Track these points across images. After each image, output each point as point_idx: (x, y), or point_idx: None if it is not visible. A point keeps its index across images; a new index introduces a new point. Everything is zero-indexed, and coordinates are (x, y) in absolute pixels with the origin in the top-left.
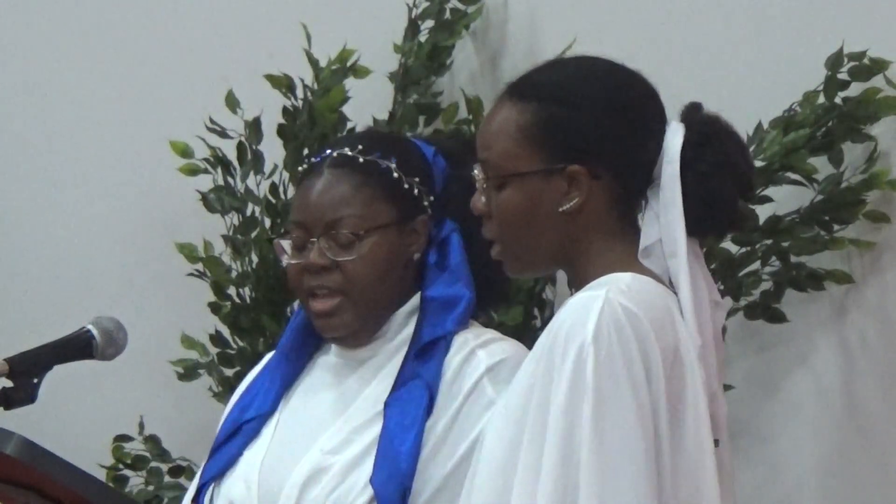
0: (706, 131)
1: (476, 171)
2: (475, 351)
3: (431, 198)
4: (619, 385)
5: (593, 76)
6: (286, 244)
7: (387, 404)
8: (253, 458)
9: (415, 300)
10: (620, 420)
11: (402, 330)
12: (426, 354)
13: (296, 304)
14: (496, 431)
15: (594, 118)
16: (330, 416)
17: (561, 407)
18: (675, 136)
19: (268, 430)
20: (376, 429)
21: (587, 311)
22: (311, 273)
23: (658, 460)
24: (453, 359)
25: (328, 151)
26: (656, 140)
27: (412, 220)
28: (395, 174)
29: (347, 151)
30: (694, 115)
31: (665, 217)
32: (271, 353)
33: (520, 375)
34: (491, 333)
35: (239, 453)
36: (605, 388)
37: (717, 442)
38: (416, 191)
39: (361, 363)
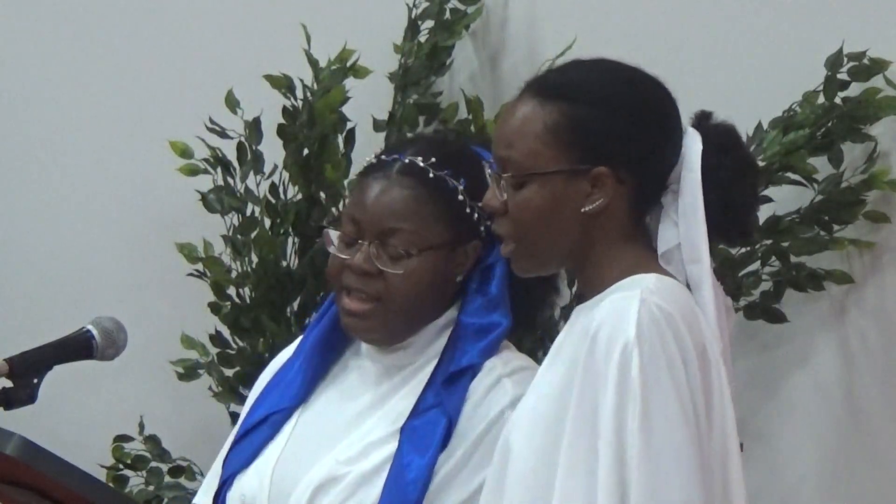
0: (723, 140)
1: (489, 170)
2: (502, 380)
3: (488, 222)
4: (662, 383)
5: (620, 79)
6: (335, 235)
7: (403, 429)
8: (270, 454)
9: (450, 314)
10: (668, 423)
11: (433, 343)
12: (451, 384)
13: (295, 305)
14: (525, 438)
15: (623, 122)
16: (350, 424)
17: (611, 409)
18: (694, 144)
19: (288, 427)
20: (392, 446)
21: (625, 312)
22: (354, 273)
23: (703, 457)
24: (479, 385)
25: (399, 155)
26: (676, 146)
27: (465, 245)
28: (461, 196)
29: (420, 161)
30: (707, 123)
31: (685, 223)
32: (297, 340)
33: (547, 381)
34: (520, 361)
35: (262, 447)
36: (650, 386)
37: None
38: (476, 216)
39: (389, 373)
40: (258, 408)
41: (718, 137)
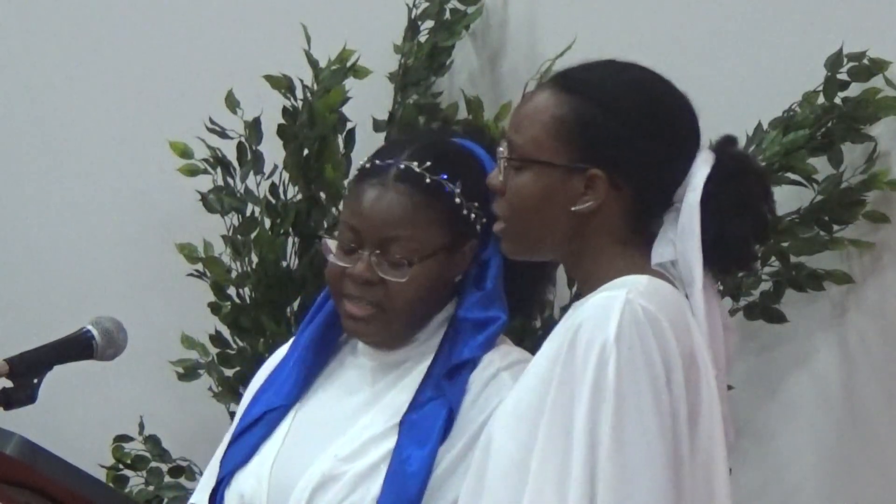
0: (734, 168)
1: (501, 148)
2: (500, 373)
3: (484, 220)
4: (639, 387)
5: (641, 88)
6: (332, 243)
7: (402, 423)
8: (267, 453)
9: (448, 310)
10: (640, 423)
11: (430, 339)
12: (452, 377)
13: (295, 305)
14: (507, 431)
15: (630, 130)
16: (347, 420)
17: (585, 408)
18: (703, 166)
19: (284, 425)
20: (391, 442)
21: (608, 311)
22: (355, 282)
23: (678, 462)
24: (477, 378)
25: (394, 160)
26: (685, 165)
27: (463, 246)
28: (458, 200)
29: (415, 167)
30: (726, 149)
31: (682, 245)
32: (292, 338)
33: (532, 375)
34: (517, 354)
35: (258, 445)
36: (625, 389)
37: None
38: (472, 216)
39: (386, 369)
40: (254, 406)
41: (729, 164)
